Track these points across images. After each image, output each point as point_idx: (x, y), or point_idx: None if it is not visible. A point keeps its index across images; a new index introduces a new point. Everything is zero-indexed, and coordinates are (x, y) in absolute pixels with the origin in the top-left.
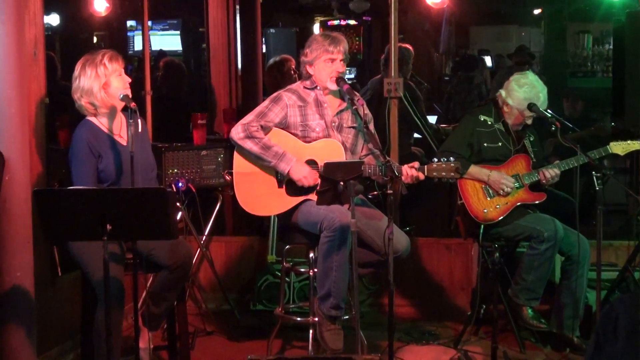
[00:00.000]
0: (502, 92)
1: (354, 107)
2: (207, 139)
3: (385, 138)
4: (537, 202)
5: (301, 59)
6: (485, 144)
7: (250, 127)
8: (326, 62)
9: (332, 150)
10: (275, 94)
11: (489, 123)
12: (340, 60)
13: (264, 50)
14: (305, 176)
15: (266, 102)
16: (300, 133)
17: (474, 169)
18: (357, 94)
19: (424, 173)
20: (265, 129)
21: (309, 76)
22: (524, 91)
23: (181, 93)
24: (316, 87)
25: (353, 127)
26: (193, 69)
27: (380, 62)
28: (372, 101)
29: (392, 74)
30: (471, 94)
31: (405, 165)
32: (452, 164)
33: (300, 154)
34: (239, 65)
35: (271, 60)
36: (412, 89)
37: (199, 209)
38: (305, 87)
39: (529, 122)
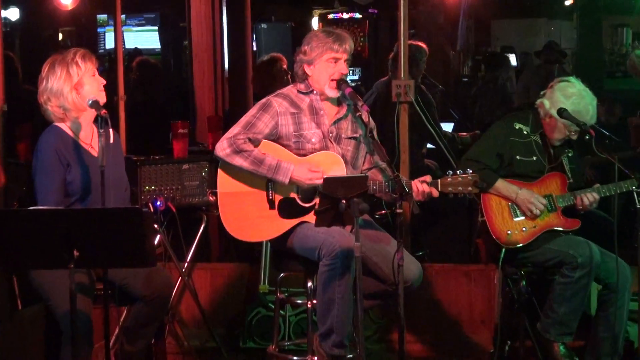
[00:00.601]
0: (545, 103)
1: (357, 114)
2: (189, 150)
3: (394, 149)
4: (569, 229)
5: (298, 58)
6: (517, 157)
7: (237, 141)
8: (328, 62)
9: (332, 164)
10: (263, 101)
11: (525, 133)
12: (345, 61)
13: (254, 48)
14: (313, 177)
15: (253, 111)
16: (294, 145)
17: (501, 184)
18: (360, 99)
19: (437, 188)
20: (254, 142)
21: (305, 78)
22: (572, 103)
23: (159, 98)
24: (312, 91)
25: (353, 138)
26: (173, 70)
27: (388, 62)
28: (376, 106)
29: (402, 75)
30: (496, 96)
31: (416, 180)
32: (469, 177)
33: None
34: (226, 66)
35: (259, 60)
36: (425, 92)
37: (180, 232)
38: (299, 92)
39: (574, 137)
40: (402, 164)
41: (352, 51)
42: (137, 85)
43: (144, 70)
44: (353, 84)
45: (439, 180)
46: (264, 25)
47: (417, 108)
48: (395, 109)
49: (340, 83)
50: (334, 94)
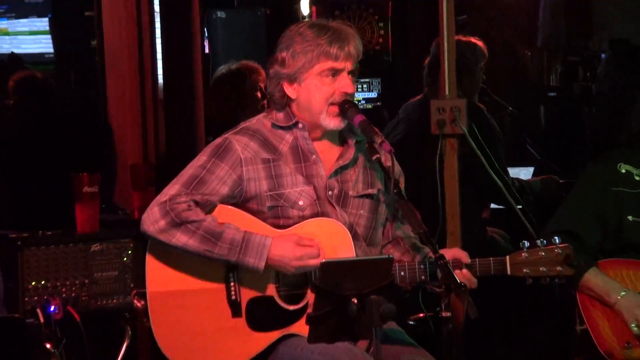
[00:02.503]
0: None
1: (374, 157)
2: (101, 221)
3: (435, 211)
4: None
5: (272, 71)
6: (628, 217)
7: (176, 206)
8: (323, 76)
9: (332, 237)
10: (219, 141)
11: (637, 179)
12: (349, 73)
13: (206, 51)
14: (304, 255)
15: (203, 157)
16: (270, 212)
17: (594, 278)
18: (378, 132)
19: (504, 269)
20: (204, 208)
21: (286, 103)
22: None
23: (52, 135)
24: (296, 124)
25: (368, 196)
26: (74, 88)
27: (423, 71)
28: (405, 143)
29: (446, 92)
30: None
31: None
32: (557, 249)
33: None
34: (160, 81)
35: (220, 71)
36: (485, 117)
37: (88, 352)
38: (275, 125)
39: None
40: (450, 235)
41: (361, 55)
42: (16, 115)
43: (27, 91)
44: (366, 106)
45: (508, 257)
46: (221, 14)
47: (472, 144)
48: (437, 146)
49: (345, 108)
50: (335, 125)
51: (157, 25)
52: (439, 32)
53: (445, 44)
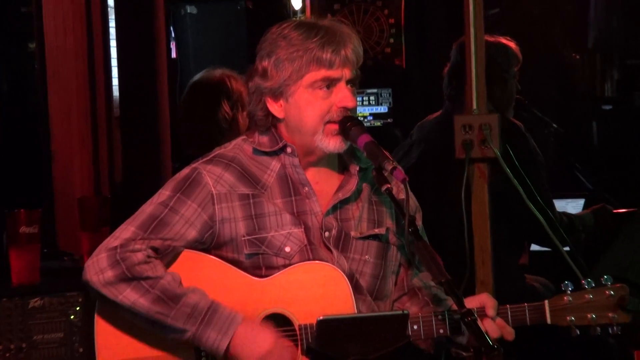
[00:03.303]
0: None
1: (383, 188)
2: (42, 270)
3: (460, 254)
4: None
5: (253, 84)
6: None
7: (129, 256)
8: (315, 88)
9: (324, 287)
10: (186, 172)
11: None
12: (347, 82)
13: (173, 55)
14: (269, 355)
15: (165, 193)
16: (248, 261)
17: None
18: (389, 156)
19: (543, 317)
20: (164, 255)
21: (271, 124)
22: None
23: None
24: (284, 148)
25: (375, 237)
26: (6, 101)
27: (443, 82)
28: (421, 169)
29: (474, 105)
30: None
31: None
32: (608, 292)
33: (252, 304)
34: (116, 93)
35: (194, 80)
36: (522, 137)
37: None
38: (257, 151)
39: None
40: (481, 285)
41: (361, 60)
42: None
43: None
44: (373, 123)
45: (547, 302)
46: (191, 9)
47: (507, 170)
48: (463, 174)
49: (347, 126)
50: (335, 146)
51: (112, 23)
52: (464, 30)
53: (473, 46)
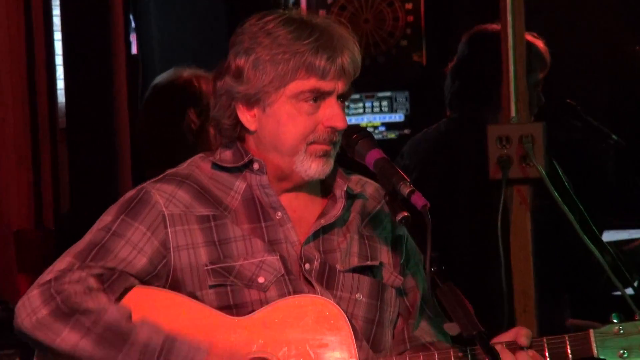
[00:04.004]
0: None
1: (398, 218)
2: None
3: (495, 300)
4: None
5: (220, 85)
6: None
7: (65, 288)
8: (300, 100)
9: (319, 327)
10: (131, 193)
11: None
12: (338, 97)
13: (133, 51)
14: None
15: (107, 218)
16: (213, 296)
17: None
18: (405, 176)
19: (588, 348)
20: (112, 289)
21: (236, 135)
22: None
23: None
24: (251, 162)
25: (366, 271)
26: None
27: (445, 82)
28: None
29: (512, 111)
30: None
31: (498, 344)
32: None
33: (229, 349)
34: (61, 99)
35: (156, 81)
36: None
37: None
38: (218, 165)
39: None
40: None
41: (358, 72)
42: None
43: None
44: (387, 135)
45: (591, 331)
46: None
47: (555, 194)
48: (498, 198)
49: (353, 139)
50: (317, 171)
51: (56, 11)
52: (498, 17)
53: (510, 37)
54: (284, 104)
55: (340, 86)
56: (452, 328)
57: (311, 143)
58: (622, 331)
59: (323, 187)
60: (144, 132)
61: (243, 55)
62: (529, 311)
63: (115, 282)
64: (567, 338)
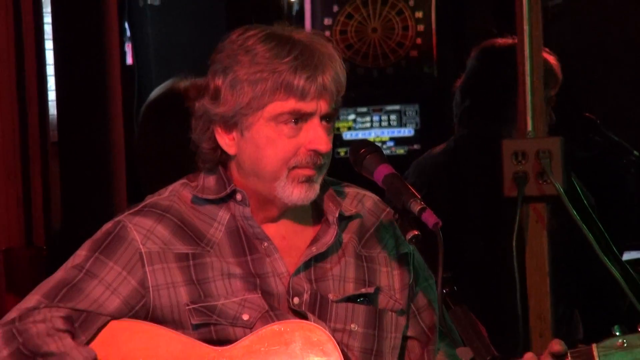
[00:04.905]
0: None
1: (408, 237)
2: None
3: (509, 323)
4: None
5: (198, 106)
6: None
7: (28, 328)
8: (279, 123)
9: (303, 350)
10: (107, 226)
11: None
12: (322, 118)
13: (129, 61)
14: None
15: (80, 254)
16: (196, 334)
17: None
18: (416, 193)
19: None
20: (82, 331)
21: (217, 159)
22: None
23: None
24: (234, 193)
25: (362, 299)
26: None
27: (454, 99)
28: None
29: (529, 125)
30: None
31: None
32: None
33: None
34: (53, 111)
35: (155, 93)
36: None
37: None
38: (199, 198)
39: None
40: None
41: (343, 90)
42: None
43: None
44: (395, 151)
45: (594, 346)
46: (153, 0)
47: (573, 213)
48: (514, 217)
49: (361, 154)
50: (300, 197)
51: (47, 18)
52: (514, 26)
53: (527, 48)
54: (262, 127)
55: (322, 106)
56: (465, 353)
57: (293, 168)
58: (625, 344)
59: (315, 210)
60: (143, 145)
61: (221, 75)
62: (546, 335)
63: (86, 323)
64: (569, 354)
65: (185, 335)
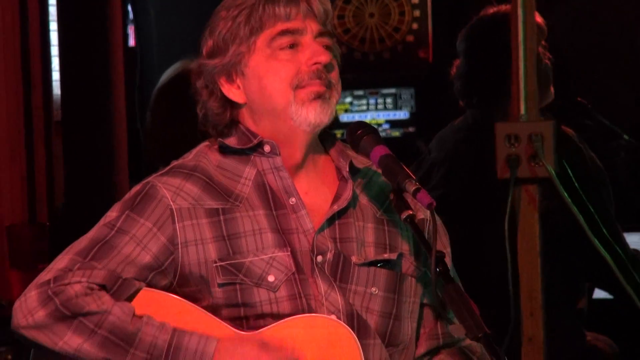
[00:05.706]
0: None
1: (403, 216)
2: None
3: (504, 303)
4: None
5: (199, 74)
6: None
7: (64, 289)
8: (275, 49)
9: (329, 349)
10: (137, 188)
11: None
12: (314, 35)
13: (131, 43)
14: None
15: (112, 215)
16: (222, 295)
17: None
18: (411, 174)
19: None
20: (115, 292)
21: (232, 118)
22: None
23: None
24: (262, 144)
25: (383, 264)
26: None
27: (454, 86)
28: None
29: (522, 109)
30: None
31: None
32: None
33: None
34: (57, 91)
35: (165, 77)
36: (578, 151)
37: None
38: (227, 149)
39: None
40: (528, 342)
41: (330, 14)
42: None
43: None
44: (391, 133)
45: None
46: None
47: (565, 195)
48: (506, 198)
49: (357, 135)
50: (315, 117)
51: (52, 3)
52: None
53: (521, 31)
54: (261, 60)
55: (312, 25)
56: (457, 330)
57: (297, 87)
58: None
59: (332, 171)
60: (157, 129)
61: (209, 37)
62: (536, 315)
63: (120, 285)
64: None
65: (214, 317)
